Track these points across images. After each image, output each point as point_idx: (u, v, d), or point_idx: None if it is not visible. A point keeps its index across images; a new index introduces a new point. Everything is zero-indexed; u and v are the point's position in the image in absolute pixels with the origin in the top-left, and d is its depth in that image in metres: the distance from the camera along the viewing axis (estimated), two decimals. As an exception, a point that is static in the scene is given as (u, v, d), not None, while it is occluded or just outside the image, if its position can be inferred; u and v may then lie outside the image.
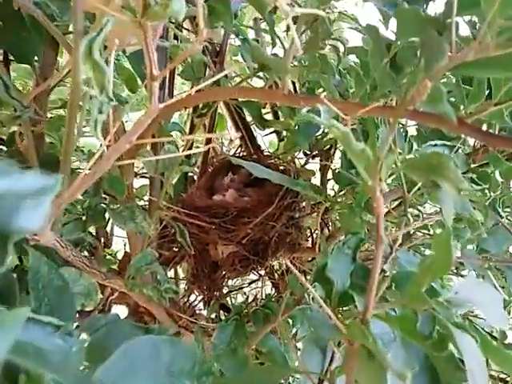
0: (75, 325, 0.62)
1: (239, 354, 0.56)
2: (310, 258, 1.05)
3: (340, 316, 0.65)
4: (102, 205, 0.64)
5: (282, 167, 1.05)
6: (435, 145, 0.73)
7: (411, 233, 0.92)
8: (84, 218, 0.62)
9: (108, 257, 0.88)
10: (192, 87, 0.77)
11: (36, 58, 0.87)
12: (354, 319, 0.37)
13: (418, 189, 0.67)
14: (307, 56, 0.60)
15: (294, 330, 0.87)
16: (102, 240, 0.88)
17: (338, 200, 0.82)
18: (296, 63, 0.61)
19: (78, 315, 0.73)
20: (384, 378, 0.37)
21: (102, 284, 0.68)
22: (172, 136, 0.77)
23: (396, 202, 0.92)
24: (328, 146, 1.08)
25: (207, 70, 0.83)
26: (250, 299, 0.96)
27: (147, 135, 0.67)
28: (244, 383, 0.41)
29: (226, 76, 0.85)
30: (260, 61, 0.45)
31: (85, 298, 0.59)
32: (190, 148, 1.06)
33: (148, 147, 0.72)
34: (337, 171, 1.02)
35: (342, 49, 0.63)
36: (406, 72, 0.56)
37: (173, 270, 1.12)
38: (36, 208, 0.25)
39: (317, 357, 0.59)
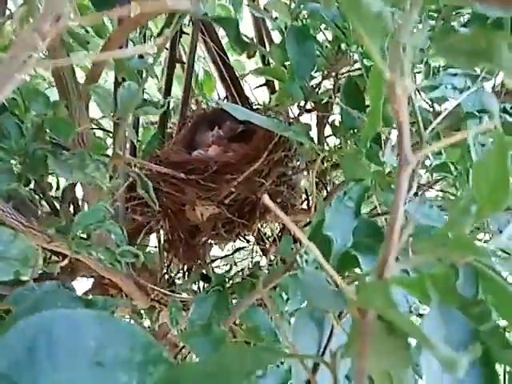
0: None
1: (213, 331, 0.45)
2: (306, 223, 0.93)
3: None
4: (44, 151, 0.51)
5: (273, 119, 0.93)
6: (455, 74, 0.61)
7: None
8: (20, 166, 0.50)
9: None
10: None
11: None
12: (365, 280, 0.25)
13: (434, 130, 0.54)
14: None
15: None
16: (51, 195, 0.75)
17: (337, 149, 0.70)
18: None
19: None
20: (412, 361, 0.25)
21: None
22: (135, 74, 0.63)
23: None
24: (326, 99, 0.96)
25: None
26: (236, 269, 0.84)
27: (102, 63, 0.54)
28: (213, 371, 0.29)
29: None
30: None
31: (21, 265, 0.47)
32: (169, 89, 0.93)
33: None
34: (336, 122, 0.90)
35: None
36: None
37: (156, 238, 0.99)
38: None
39: (311, 333, 0.47)
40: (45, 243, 0.51)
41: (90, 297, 0.62)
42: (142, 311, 0.81)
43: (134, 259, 0.50)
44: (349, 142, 0.68)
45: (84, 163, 0.51)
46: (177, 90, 1.26)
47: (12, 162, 0.53)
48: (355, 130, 0.67)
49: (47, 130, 0.53)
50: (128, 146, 0.87)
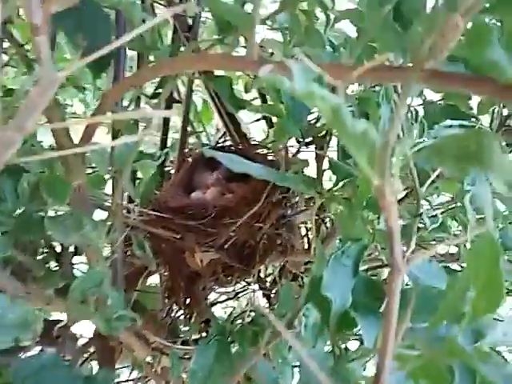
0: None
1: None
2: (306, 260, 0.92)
3: (339, 344, 0.53)
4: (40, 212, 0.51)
5: (270, 157, 0.93)
6: (450, 126, 0.61)
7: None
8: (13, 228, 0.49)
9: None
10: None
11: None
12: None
13: (432, 181, 0.54)
14: (285, 16, 0.47)
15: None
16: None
17: (335, 194, 0.69)
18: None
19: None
20: None
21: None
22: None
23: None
24: (323, 132, 0.96)
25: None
26: (236, 312, 0.84)
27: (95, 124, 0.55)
28: None
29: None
30: (221, 15, 0.32)
31: (20, 330, 0.46)
32: (165, 140, 0.93)
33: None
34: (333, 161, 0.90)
35: (330, 5, 0.49)
36: (415, 28, 0.43)
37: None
38: None
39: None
40: (43, 305, 0.50)
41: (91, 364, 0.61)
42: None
43: (132, 323, 0.50)
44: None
45: (81, 224, 0.51)
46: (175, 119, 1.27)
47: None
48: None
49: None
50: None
